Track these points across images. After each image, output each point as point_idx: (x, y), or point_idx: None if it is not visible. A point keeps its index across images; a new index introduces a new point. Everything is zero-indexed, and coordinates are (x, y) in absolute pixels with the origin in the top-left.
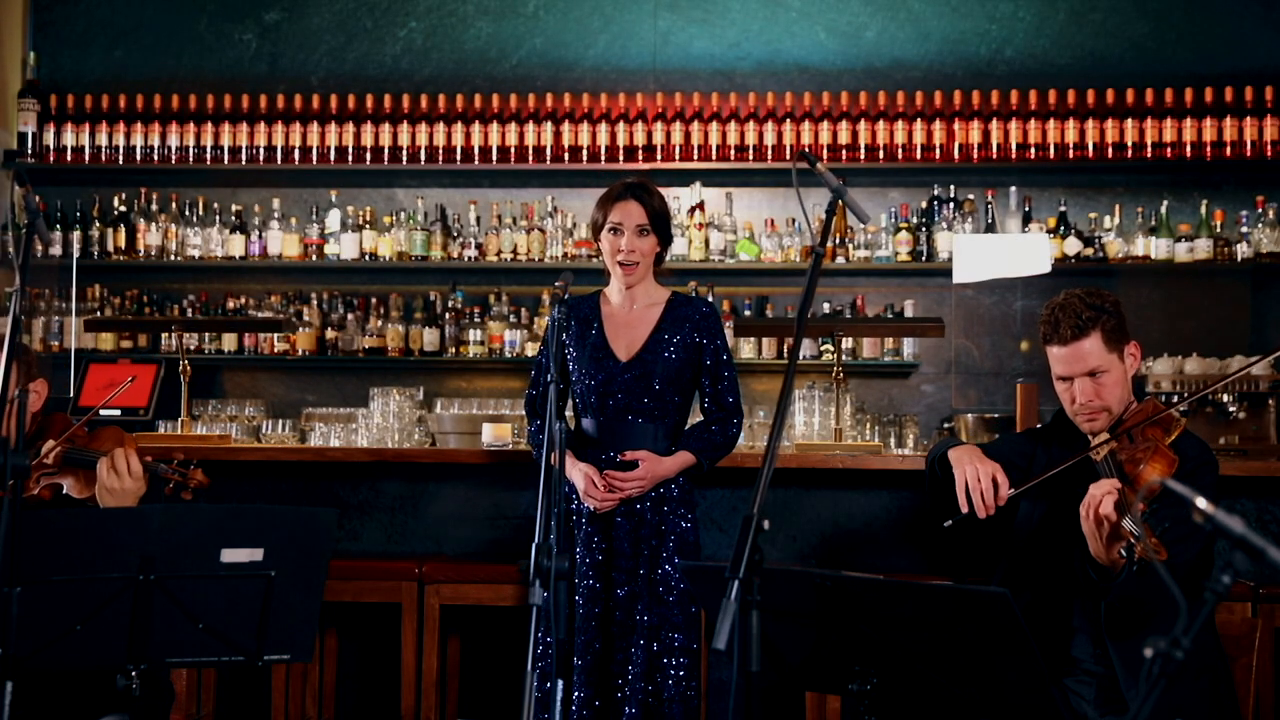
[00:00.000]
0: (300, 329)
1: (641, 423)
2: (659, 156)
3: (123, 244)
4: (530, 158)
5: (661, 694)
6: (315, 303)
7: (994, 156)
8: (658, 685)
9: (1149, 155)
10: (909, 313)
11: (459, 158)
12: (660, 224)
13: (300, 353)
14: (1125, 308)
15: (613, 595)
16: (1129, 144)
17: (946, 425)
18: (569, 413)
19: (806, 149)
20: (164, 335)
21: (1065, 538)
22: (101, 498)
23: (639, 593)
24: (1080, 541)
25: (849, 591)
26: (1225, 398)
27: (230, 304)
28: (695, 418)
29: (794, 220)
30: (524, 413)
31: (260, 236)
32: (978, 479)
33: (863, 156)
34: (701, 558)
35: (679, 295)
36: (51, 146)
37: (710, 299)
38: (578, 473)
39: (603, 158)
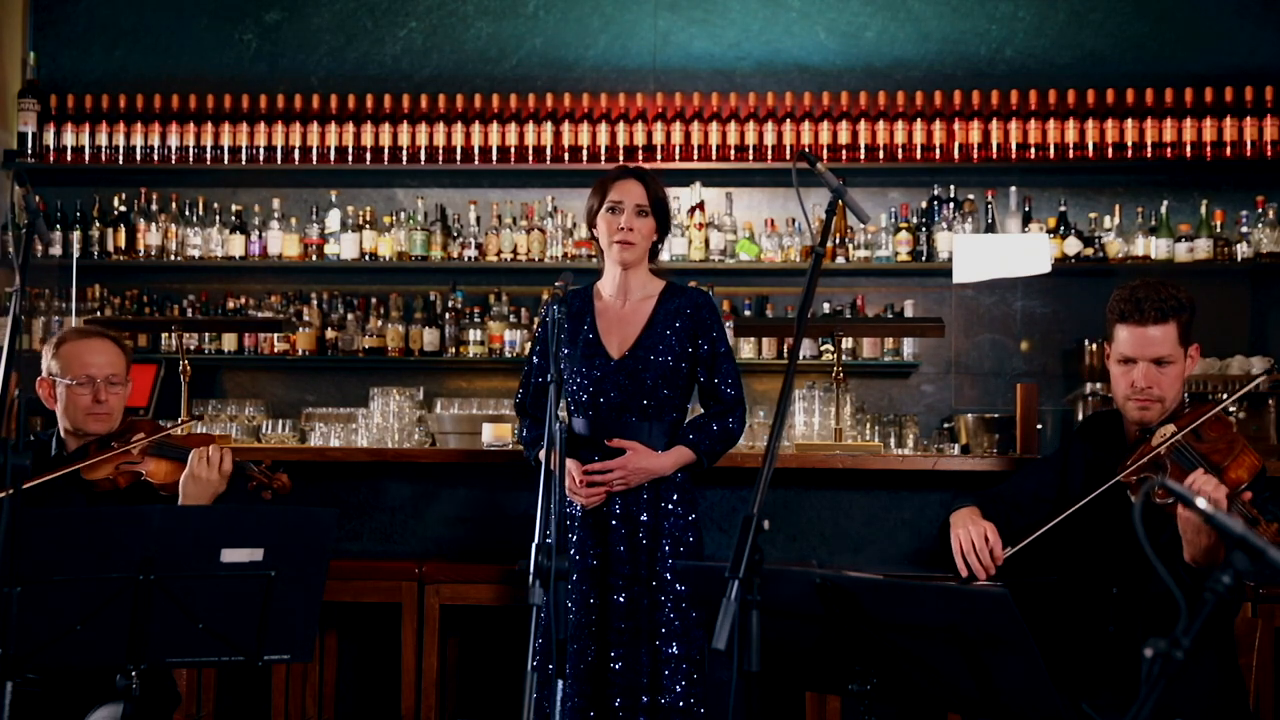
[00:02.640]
0: (300, 329)
1: (636, 421)
2: (659, 156)
3: (123, 244)
4: (530, 158)
5: (660, 703)
6: (315, 303)
7: (994, 156)
8: (655, 695)
9: (1149, 155)
10: (909, 313)
11: (459, 158)
12: (659, 209)
13: (300, 353)
14: None
15: (609, 602)
16: (1129, 144)
17: (946, 425)
18: (561, 412)
19: (806, 149)
20: (164, 335)
21: (1112, 546)
22: (184, 486)
23: (636, 599)
24: (1130, 553)
25: (849, 591)
26: (1225, 397)
27: (230, 304)
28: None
29: (794, 220)
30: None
31: (260, 236)
32: (971, 543)
33: (863, 156)
34: (703, 559)
35: (673, 286)
36: (51, 146)
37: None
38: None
39: (603, 158)
